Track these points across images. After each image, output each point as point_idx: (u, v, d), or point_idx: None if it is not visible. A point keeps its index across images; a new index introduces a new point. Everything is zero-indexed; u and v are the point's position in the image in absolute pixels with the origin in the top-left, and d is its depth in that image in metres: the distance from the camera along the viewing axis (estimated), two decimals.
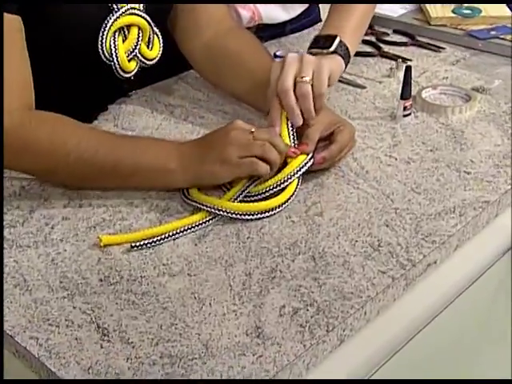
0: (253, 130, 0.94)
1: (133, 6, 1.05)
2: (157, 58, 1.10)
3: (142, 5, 1.06)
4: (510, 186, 0.99)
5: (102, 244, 0.87)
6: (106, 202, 0.96)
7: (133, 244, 0.87)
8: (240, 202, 0.94)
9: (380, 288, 0.81)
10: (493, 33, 1.42)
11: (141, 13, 1.05)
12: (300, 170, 0.96)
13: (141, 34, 1.06)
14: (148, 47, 1.09)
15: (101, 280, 0.83)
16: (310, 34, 1.45)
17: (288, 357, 0.72)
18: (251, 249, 0.87)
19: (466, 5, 1.49)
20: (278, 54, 1.35)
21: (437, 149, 1.08)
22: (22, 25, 0.94)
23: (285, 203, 0.94)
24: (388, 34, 1.49)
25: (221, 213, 0.91)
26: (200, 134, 1.10)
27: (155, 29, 1.09)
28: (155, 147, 0.96)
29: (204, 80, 1.23)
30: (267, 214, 0.92)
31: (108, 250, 0.87)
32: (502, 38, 1.40)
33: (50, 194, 0.98)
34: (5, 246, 0.88)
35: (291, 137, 0.99)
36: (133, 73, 1.08)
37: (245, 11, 1.41)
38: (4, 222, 0.93)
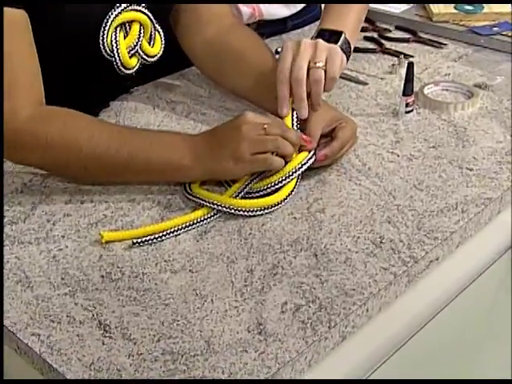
0: (265, 123, 0.93)
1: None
2: (158, 55, 1.10)
3: None
4: None
5: (103, 240, 0.87)
6: (107, 199, 0.96)
7: (134, 240, 0.87)
8: (241, 198, 0.94)
9: (382, 285, 0.81)
10: (495, 29, 1.41)
11: (142, 9, 1.05)
12: (302, 167, 0.96)
13: (142, 31, 1.06)
14: (149, 44, 1.08)
15: (102, 276, 0.83)
16: (312, 30, 1.45)
17: (290, 353, 0.72)
18: (253, 245, 0.87)
19: None
20: (279, 50, 1.34)
21: (439, 145, 1.07)
22: (28, 19, 0.94)
23: (285, 199, 0.94)
24: (390, 31, 1.48)
25: (222, 209, 0.91)
26: (202, 131, 1.09)
27: (157, 25, 1.08)
28: (168, 142, 0.96)
29: (206, 77, 1.23)
30: (268, 210, 0.92)
31: (109, 246, 0.87)
32: (505, 35, 1.40)
33: (52, 191, 0.98)
34: (6, 242, 0.88)
35: (295, 127, 0.99)
36: (134, 69, 1.08)
37: (245, 7, 1.41)
38: (6, 219, 0.93)
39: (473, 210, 0.93)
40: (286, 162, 0.94)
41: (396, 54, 1.36)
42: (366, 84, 1.26)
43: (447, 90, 1.23)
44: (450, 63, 1.34)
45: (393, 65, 1.31)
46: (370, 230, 0.90)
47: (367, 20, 1.47)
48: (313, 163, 0.97)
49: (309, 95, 0.99)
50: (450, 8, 1.48)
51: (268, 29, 1.44)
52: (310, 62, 0.99)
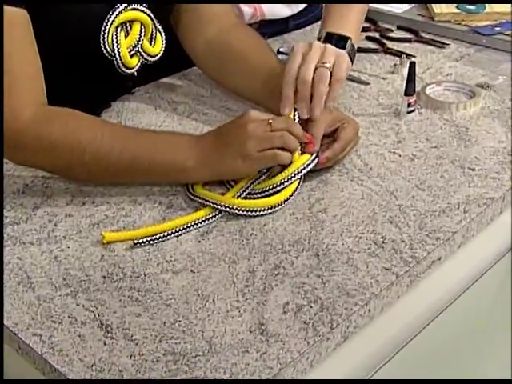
0: (269, 119, 0.93)
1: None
2: (159, 55, 1.10)
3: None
4: None
5: (104, 241, 0.87)
6: (109, 199, 0.96)
7: (136, 241, 0.87)
8: (243, 198, 0.94)
9: (384, 285, 0.81)
10: (497, 29, 1.41)
11: (143, 9, 1.05)
12: (304, 169, 0.96)
13: (143, 30, 1.06)
14: (150, 43, 1.08)
15: (104, 277, 0.83)
16: (314, 30, 1.45)
17: (292, 354, 0.72)
18: (255, 246, 0.87)
19: None
20: (281, 50, 1.34)
21: (441, 145, 1.07)
22: (29, 19, 0.94)
23: (288, 199, 0.94)
24: (392, 31, 1.48)
25: (225, 209, 0.91)
26: (204, 131, 1.09)
27: (158, 25, 1.08)
28: (172, 143, 0.95)
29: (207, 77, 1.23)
30: (271, 211, 0.92)
31: (111, 247, 0.87)
32: (507, 34, 1.39)
33: (54, 192, 0.98)
34: (8, 243, 0.88)
35: None
36: (135, 69, 1.08)
37: (247, 7, 1.41)
38: (7, 220, 0.93)
39: (475, 209, 0.93)
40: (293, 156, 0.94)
41: (398, 53, 1.35)
42: (367, 84, 1.26)
43: (449, 89, 1.23)
44: (451, 63, 1.34)
45: (395, 65, 1.31)
46: (372, 230, 0.89)
47: (369, 20, 1.47)
48: (315, 165, 0.97)
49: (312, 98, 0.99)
50: (451, 8, 1.48)
51: (270, 28, 1.44)
52: (317, 63, 0.99)
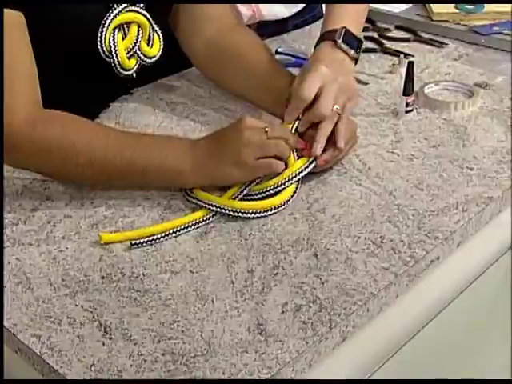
0: (266, 127, 0.93)
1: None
2: (157, 56, 1.09)
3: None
4: None
5: (101, 242, 0.87)
6: (107, 200, 0.96)
7: (133, 242, 0.87)
8: (240, 200, 0.94)
9: (383, 285, 0.81)
10: (496, 28, 1.41)
11: (141, 10, 1.05)
12: (302, 172, 0.95)
13: (141, 32, 1.06)
14: (148, 45, 1.08)
15: (103, 278, 0.83)
16: (312, 30, 1.45)
17: (290, 354, 0.72)
18: (253, 246, 0.87)
19: None
20: (279, 50, 1.34)
21: (439, 145, 1.07)
22: (25, 21, 0.94)
23: (287, 202, 0.94)
24: (390, 30, 1.48)
25: (222, 210, 0.91)
26: (202, 132, 1.09)
27: (155, 26, 1.08)
28: (167, 148, 0.95)
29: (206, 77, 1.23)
30: (269, 213, 0.92)
31: (110, 247, 0.87)
32: (505, 34, 1.40)
33: (52, 193, 0.98)
34: (7, 244, 0.89)
35: (293, 130, 0.99)
36: (133, 70, 1.08)
37: (245, 9, 1.41)
38: (6, 220, 0.93)
39: (473, 209, 0.93)
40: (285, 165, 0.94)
41: (396, 53, 1.35)
42: (366, 84, 1.26)
43: (447, 89, 1.23)
44: (450, 62, 1.34)
45: (393, 64, 1.31)
46: (371, 229, 0.89)
47: (367, 20, 1.47)
48: (314, 168, 0.97)
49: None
50: (450, 7, 1.48)
51: (268, 29, 1.44)
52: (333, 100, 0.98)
